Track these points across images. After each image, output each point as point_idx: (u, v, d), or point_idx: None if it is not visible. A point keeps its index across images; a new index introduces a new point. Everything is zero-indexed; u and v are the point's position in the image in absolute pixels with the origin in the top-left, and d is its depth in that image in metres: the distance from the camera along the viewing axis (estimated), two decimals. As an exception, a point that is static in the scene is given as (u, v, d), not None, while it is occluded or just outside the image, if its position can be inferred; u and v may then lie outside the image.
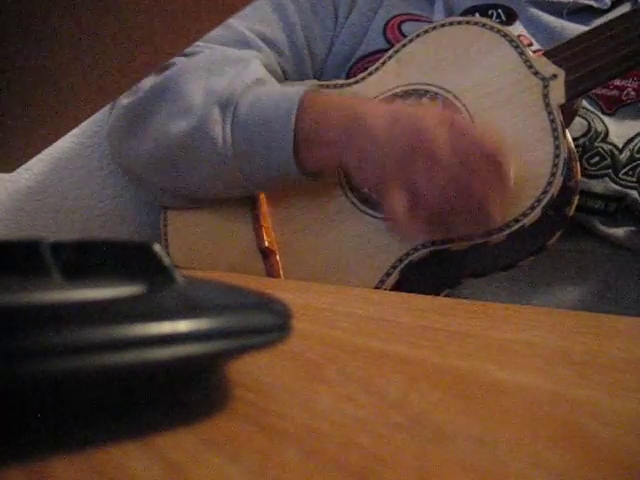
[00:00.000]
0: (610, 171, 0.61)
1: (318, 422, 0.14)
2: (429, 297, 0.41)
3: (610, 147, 0.61)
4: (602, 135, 0.62)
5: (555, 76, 0.55)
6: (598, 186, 0.61)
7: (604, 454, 0.12)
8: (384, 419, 0.14)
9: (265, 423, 0.14)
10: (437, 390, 0.17)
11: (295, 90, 0.59)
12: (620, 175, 0.61)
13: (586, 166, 0.61)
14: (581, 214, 0.60)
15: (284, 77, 0.70)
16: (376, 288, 0.57)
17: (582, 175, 0.59)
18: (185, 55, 0.65)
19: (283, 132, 0.56)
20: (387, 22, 0.68)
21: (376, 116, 0.54)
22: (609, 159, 0.61)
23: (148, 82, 0.64)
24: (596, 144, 0.61)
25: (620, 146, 0.62)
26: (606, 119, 0.63)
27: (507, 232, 0.53)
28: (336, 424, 0.14)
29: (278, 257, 0.63)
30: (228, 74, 0.62)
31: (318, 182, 0.62)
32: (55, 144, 0.28)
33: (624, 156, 0.62)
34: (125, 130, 0.66)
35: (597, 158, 0.61)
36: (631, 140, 0.62)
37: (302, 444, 0.13)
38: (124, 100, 0.66)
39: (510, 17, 0.66)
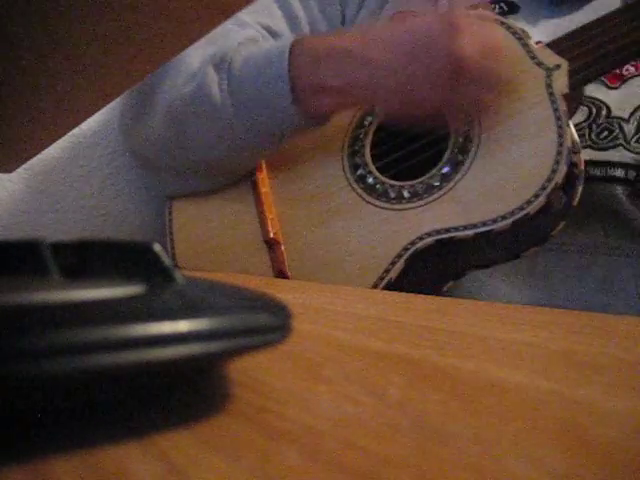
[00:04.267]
0: (622, 141, 0.62)
1: (318, 422, 0.14)
2: (429, 297, 0.41)
3: (617, 120, 0.62)
4: (604, 113, 0.62)
5: (558, 66, 0.55)
6: (614, 155, 0.62)
7: (604, 454, 0.12)
8: (384, 419, 0.14)
9: (265, 423, 0.14)
10: (437, 390, 0.17)
11: (283, 41, 0.60)
12: (632, 143, 0.62)
13: (597, 141, 0.62)
14: (605, 184, 0.60)
15: None
16: (381, 277, 0.57)
17: (597, 149, 0.60)
18: None
19: (278, 81, 0.57)
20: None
21: (372, 46, 0.55)
22: (618, 130, 0.62)
23: None
24: (600, 121, 0.62)
25: (626, 117, 0.63)
26: (609, 95, 0.63)
27: (511, 220, 0.53)
28: (336, 424, 0.14)
29: (283, 248, 0.63)
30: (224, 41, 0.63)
31: (324, 174, 0.62)
32: (55, 144, 0.28)
33: (631, 126, 0.62)
34: (133, 110, 0.67)
35: (606, 132, 0.62)
36: (637, 109, 0.63)
37: (302, 444, 0.13)
38: None
39: (512, 9, 0.67)
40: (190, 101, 0.61)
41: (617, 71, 0.64)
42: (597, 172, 0.58)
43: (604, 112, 0.63)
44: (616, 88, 0.64)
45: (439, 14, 0.55)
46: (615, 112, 0.63)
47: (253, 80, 0.58)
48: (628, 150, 0.62)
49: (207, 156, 0.64)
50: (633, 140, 0.62)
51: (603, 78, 0.64)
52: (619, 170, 0.62)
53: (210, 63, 0.61)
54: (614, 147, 0.62)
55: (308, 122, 0.59)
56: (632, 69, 0.65)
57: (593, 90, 0.63)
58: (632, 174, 0.62)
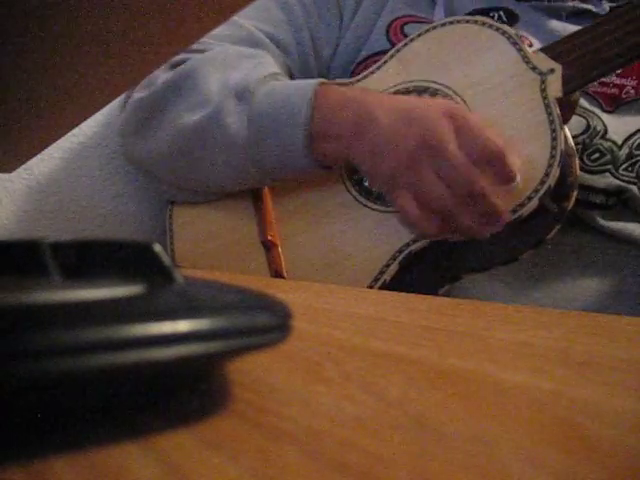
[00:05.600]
0: (610, 167, 0.62)
1: (318, 422, 0.14)
2: (429, 297, 0.41)
3: (609, 144, 0.62)
4: (601, 133, 0.63)
5: (552, 71, 0.56)
6: (600, 181, 0.62)
7: (604, 454, 0.12)
8: (384, 419, 0.14)
9: (265, 423, 0.14)
10: (437, 390, 0.17)
11: (309, 82, 0.60)
12: (620, 171, 0.62)
13: (587, 162, 0.62)
14: (582, 209, 0.61)
15: (290, 77, 0.71)
16: (376, 279, 0.58)
17: (584, 171, 0.60)
18: (199, 51, 0.66)
19: (295, 123, 0.57)
20: (390, 24, 0.69)
21: (384, 110, 0.55)
22: (609, 155, 0.62)
23: (162, 77, 0.65)
24: (595, 141, 0.62)
25: (619, 143, 0.63)
26: (605, 117, 0.63)
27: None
28: (336, 424, 0.14)
29: (280, 250, 0.63)
30: (243, 68, 0.63)
31: (320, 176, 0.62)
32: (55, 144, 0.28)
33: (623, 152, 0.62)
34: (139, 124, 0.67)
35: (597, 154, 0.62)
36: (630, 137, 0.63)
37: (302, 444, 0.13)
38: (137, 94, 0.66)
39: (511, 19, 0.67)
40: (203, 125, 0.61)
41: (615, 92, 0.64)
42: (578, 196, 0.58)
43: (601, 131, 0.63)
44: (610, 112, 0.64)
45: (451, 106, 0.55)
46: (610, 135, 0.63)
47: (272, 119, 0.58)
48: (615, 177, 0.62)
49: (208, 180, 0.65)
50: (622, 168, 0.62)
51: (599, 99, 0.64)
52: (600, 197, 0.62)
53: (232, 93, 0.60)
54: (601, 172, 0.62)
55: (315, 169, 0.59)
56: (632, 92, 0.64)
57: (587, 112, 0.63)
58: (613, 200, 0.62)
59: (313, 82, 0.59)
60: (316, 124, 0.57)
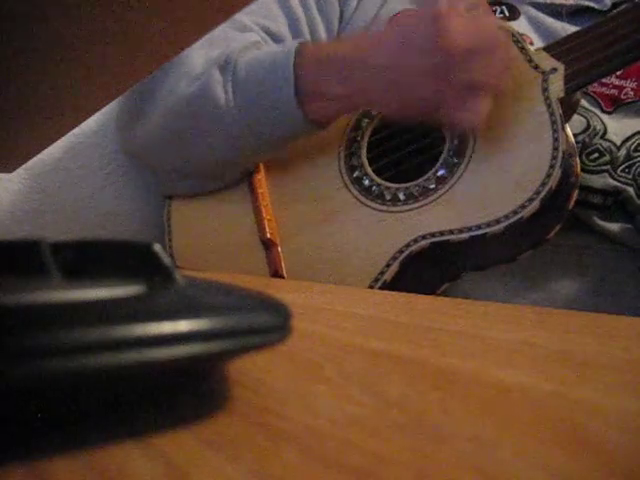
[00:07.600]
0: (609, 167, 0.62)
1: (318, 422, 0.14)
2: (429, 297, 0.41)
3: (609, 144, 0.62)
4: (601, 133, 0.63)
5: (555, 70, 0.55)
6: (598, 181, 0.62)
7: (604, 454, 0.12)
8: (384, 419, 0.14)
9: (265, 423, 0.14)
10: (437, 390, 0.17)
11: (291, 43, 0.60)
12: (618, 172, 0.62)
13: (586, 162, 0.62)
14: (580, 209, 0.61)
15: None
16: (376, 279, 0.58)
17: (583, 171, 0.60)
18: None
19: (282, 83, 0.57)
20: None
21: (372, 51, 0.56)
22: (608, 156, 0.62)
23: None
24: (595, 141, 0.62)
25: (618, 144, 0.63)
26: (605, 117, 0.63)
27: (505, 224, 0.53)
28: (336, 424, 0.14)
29: (280, 248, 0.63)
30: (227, 43, 0.64)
31: (320, 176, 0.63)
32: (55, 144, 0.28)
33: (621, 154, 0.62)
34: (132, 110, 0.67)
35: (596, 154, 0.62)
36: (628, 139, 0.63)
37: (302, 444, 0.13)
38: None
39: (513, 14, 0.67)
40: (192, 101, 0.61)
41: (614, 93, 0.64)
42: (577, 196, 0.58)
43: (601, 131, 0.63)
44: (609, 113, 0.64)
45: (425, 9, 0.55)
46: (610, 135, 0.63)
47: (258, 83, 0.59)
48: (612, 178, 0.62)
49: (205, 157, 0.64)
50: (620, 169, 0.62)
51: (598, 99, 0.64)
52: (598, 197, 0.62)
53: (215, 64, 0.61)
54: (599, 172, 0.62)
55: (310, 127, 0.59)
56: (631, 93, 0.64)
57: (588, 112, 0.63)
58: (610, 200, 0.62)
59: (292, 45, 0.59)
60: (302, 81, 0.57)
